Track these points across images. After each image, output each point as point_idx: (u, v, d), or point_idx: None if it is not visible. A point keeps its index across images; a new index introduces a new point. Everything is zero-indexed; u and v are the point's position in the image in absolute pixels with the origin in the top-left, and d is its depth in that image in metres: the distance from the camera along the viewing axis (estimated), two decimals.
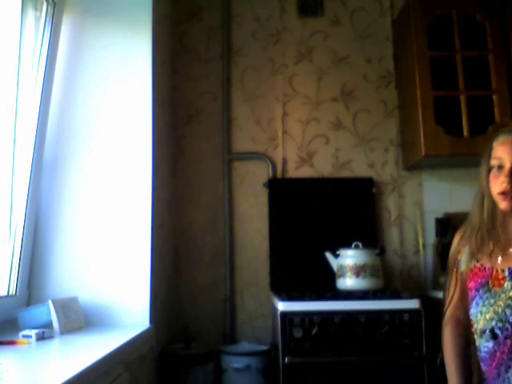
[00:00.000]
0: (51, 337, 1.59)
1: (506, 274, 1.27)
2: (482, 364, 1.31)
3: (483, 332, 1.28)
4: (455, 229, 2.49)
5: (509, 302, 1.24)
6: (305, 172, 2.65)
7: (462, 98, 2.35)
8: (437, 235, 2.49)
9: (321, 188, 2.60)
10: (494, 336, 1.25)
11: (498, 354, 1.25)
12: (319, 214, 2.55)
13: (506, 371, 1.23)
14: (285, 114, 2.70)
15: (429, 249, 2.56)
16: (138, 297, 1.89)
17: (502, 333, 1.24)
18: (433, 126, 2.32)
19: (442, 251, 2.45)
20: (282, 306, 1.98)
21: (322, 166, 2.66)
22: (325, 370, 1.94)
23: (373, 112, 2.69)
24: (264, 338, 2.44)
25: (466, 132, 2.33)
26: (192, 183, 2.64)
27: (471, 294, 1.36)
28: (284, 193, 2.58)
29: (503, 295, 1.26)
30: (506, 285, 1.26)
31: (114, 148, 1.98)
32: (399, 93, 2.68)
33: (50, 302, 1.69)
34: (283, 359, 1.92)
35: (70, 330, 1.70)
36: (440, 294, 2.26)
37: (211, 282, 2.56)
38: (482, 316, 1.30)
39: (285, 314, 1.96)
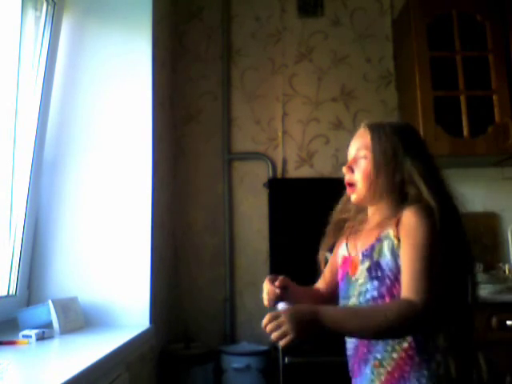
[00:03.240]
0: (51, 337, 1.59)
1: (360, 258, 1.21)
2: (349, 363, 1.26)
3: None
4: None
5: (361, 288, 1.18)
6: (305, 172, 2.65)
7: (462, 98, 2.35)
8: None
9: (321, 188, 2.59)
10: None
11: (360, 348, 1.20)
12: (319, 214, 2.54)
13: (366, 365, 1.18)
14: (285, 114, 2.70)
15: None
16: (138, 297, 1.89)
17: None
18: (433, 126, 2.32)
19: None
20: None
21: (322, 166, 2.66)
22: (325, 369, 1.94)
23: (373, 112, 2.69)
24: (264, 337, 2.43)
25: (465, 132, 2.33)
26: (192, 183, 2.64)
27: (339, 288, 1.32)
28: (284, 193, 2.58)
29: (356, 283, 1.21)
30: (358, 270, 1.21)
31: (113, 148, 1.98)
32: (399, 93, 2.68)
33: (49, 302, 1.69)
34: (283, 359, 1.92)
35: (70, 329, 1.70)
36: None
37: (211, 282, 2.56)
38: None
39: None
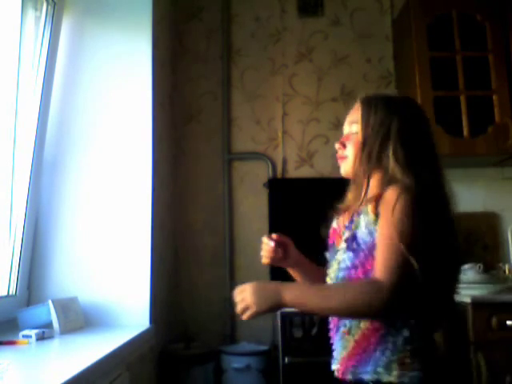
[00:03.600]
0: (51, 337, 1.59)
1: (342, 230, 1.23)
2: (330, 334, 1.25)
3: None
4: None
5: (339, 257, 1.21)
6: (305, 172, 2.65)
7: (462, 98, 2.35)
8: None
9: (321, 188, 2.59)
10: None
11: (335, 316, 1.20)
12: (319, 214, 2.54)
13: (337, 332, 1.21)
14: (285, 114, 2.70)
15: None
16: (138, 297, 1.89)
17: None
18: (433, 126, 2.30)
19: None
20: None
21: (322, 166, 2.66)
22: (325, 370, 1.94)
23: None
24: (264, 338, 2.44)
25: (465, 132, 2.33)
26: (192, 183, 2.64)
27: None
28: (284, 193, 2.57)
29: (338, 252, 1.23)
30: (341, 241, 1.22)
31: (114, 148, 1.98)
32: (399, 93, 2.68)
33: (49, 302, 1.69)
34: (283, 359, 1.92)
35: (70, 329, 1.70)
36: None
37: (211, 282, 2.56)
38: (328, 278, 1.27)
39: (285, 314, 1.96)
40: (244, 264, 2.58)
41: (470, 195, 2.62)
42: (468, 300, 1.96)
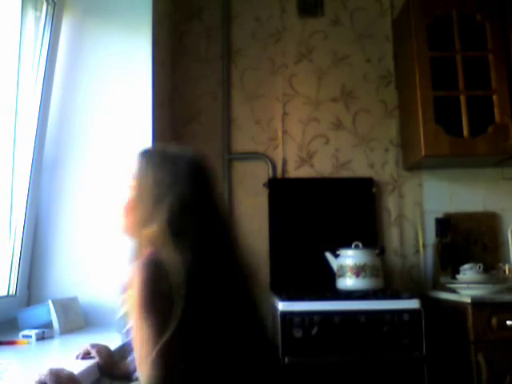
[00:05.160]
0: (51, 337, 1.59)
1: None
2: None
3: None
4: (455, 229, 2.53)
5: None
6: (305, 172, 2.65)
7: (462, 98, 2.35)
8: (437, 235, 2.49)
9: (321, 188, 2.59)
10: None
11: None
12: (319, 214, 2.55)
13: None
14: (285, 114, 2.70)
15: (429, 249, 2.56)
16: None
17: None
18: (433, 126, 2.32)
19: (442, 251, 2.45)
20: (281, 305, 1.98)
21: (322, 166, 2.66)
22: (325, 370, 1.94)
23: (373, 112, 2.69)
24: None
25: (465, 132, 2.33)
26: None
27: None
28: (284, 193, 2.57)
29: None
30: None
31: (114, 148, 1.98)
32: (399, 93, 2.68)
33: (49, 302, 1.69)
34: (283, 359, 1.91)
35: (70, 329, 1.70)
36: (440, 294, 2.27)
37: None
38: None
39: (285, 314, 1.96)
40: None
41: (469, 195, 2.62)
42: (468, 300, 1.96)
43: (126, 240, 1.17)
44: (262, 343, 1.13)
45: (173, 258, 1.00)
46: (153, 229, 1.06)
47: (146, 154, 1.18)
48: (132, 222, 1.13)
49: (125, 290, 1.04)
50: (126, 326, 1.07)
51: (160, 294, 0.98)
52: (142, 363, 0.98)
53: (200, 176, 1.18)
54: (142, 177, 1.15)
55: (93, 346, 1.28)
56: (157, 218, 1.06)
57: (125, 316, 1.06)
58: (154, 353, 0.95)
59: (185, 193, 1.10)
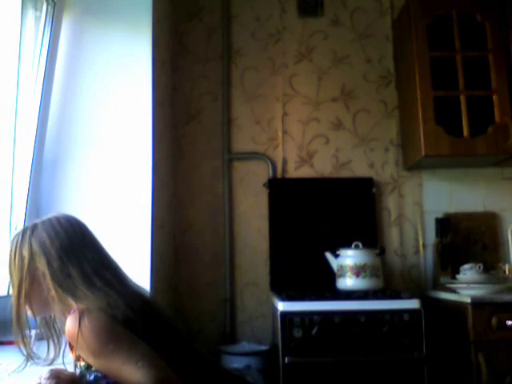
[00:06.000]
0: None
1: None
2: None
3: None
4: (455, 229, 2.53)
5: None
6: (305, 172, 2.65)
7: (462, 98, 2.35)
8: (437, 235, 2.49)
9: (321, 188, 2.60)
10: None
11: None
12: (319, 214, 2.55)
13: None
14: (285, 114, 2.70)
15: (429, 249, 2.56)
16: None
17: None
18: (433, 126, 2.32)
19: (442, 251, 2.45)
20: (282, 306, 1.98)
21: (322, 166, 2.66)
22: (325, 370, 1.94)
23: (373, 112, 2.69)
24: (264, 338, 2.44)
25: (465, 132, 2.33)
26: (192, 183, 2.64)
27: None
28: (284, 193, 2.57)
29: None
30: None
31: (114, 148, 1.98)
32: (399, 93, 2.68)
33: None
34: (283, 359, 1.91)
35: None
36: (440, 294, 2.27)
37: (211, 282, 2.56)
38: None
39: (285, 314, 1.96)
40: (244, 264, 2.58)
41: (470, 195, 2.62)
42: (468, 300, 1.96)
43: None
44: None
45: (88, 299, 1.09)
46: (51, 295, 1.13)
47: (10, 241, 1.23)
48: (33, 303, 1.18)
49: (71, 349, 1.11)
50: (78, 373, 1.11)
51: (108, 324, 1.05)
52: (133, 377, 1.01)
53: (58, 231, 1.20)
54: (11, 263, 1.20)
55: (52, 374, 1.20)
56: (46, 286, 1.14)
57: (83, 368, 1.10)
58: (140, 361, 1.01)
59: (49, 251, 1.16)
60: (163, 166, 2.31)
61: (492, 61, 2.37)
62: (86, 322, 1.04)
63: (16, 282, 1.18)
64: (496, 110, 2.34)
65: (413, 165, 2.54)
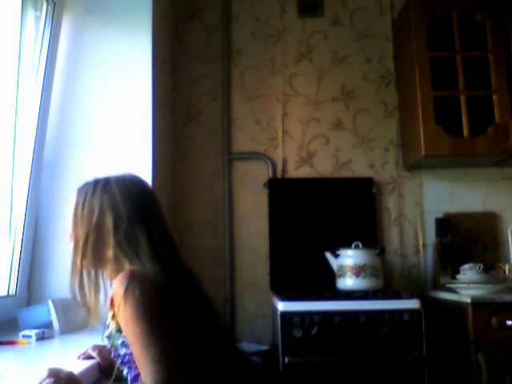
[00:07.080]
0: (51, 337, 1.59)
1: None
2: None
3: None
4: (455, 229, 2.53)
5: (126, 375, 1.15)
6: (305, 172, 2.65)
7: (462, 98, 2.35)
8: (437, 235, 2.49)
9: (321, 188, 2.60)
10: None
11: None
12: (319, 214, 2.55)
13: None
14: (285, 114, 2.70)
15: (429, 249, 2.56)
16: None
17: None
18: (433, 126, 2.32)
19: (442, 251, 2.45)
20: (282, 306, 1.98)
21: (322, 166, 2.65)
22: (325, 370, 1.94)
23: (373, 112, 2.69)
24: (264, 338, 2.44)
25: (465, 132, 2.33)
26: (192, 183, 2.64)
27: None
28: (284, 193, 2.57)
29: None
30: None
31: (113, 148, 1.98)
32: (399, 93, 2.68)
33: (49, 302, 1.69)
34: (283, 359, 1.91)
35: (70, 329, 1.70)
36: (440, 294, 2.27)
37: (211, 282, 2.55)
38: None
39: (285, 314, 1.96)
40: (244, 264, 2.58)
41: (470, 195, 2.62)
42: (468, 300, 1.96)
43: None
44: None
45: (145, 269, 1.08)
46: (109, 253, 1.13)
47: (78, 190, 1.24)
48: (89, 255, 1.17)
49: (111, 306, 1.10)
50: (107, 332, 1.14)
51: (152, 303, 1.04)
52: (145, 367, 1.01)
53: (131, 192, 1.20)
54: (77, 211, 1.19)
55: (94, 347, 1.30)
56: (107, 243, 1.14)
57: (114, 329, 1.12)
58: (157, 355, 1.00)
59: (119, 210, 1.15)
60: (163, 166, 2.31)
61: (492, 61, 2.38)
62: (133, 288, 1.03)
63: (81, 233, 1.17)
64: (496, 110, 2.34)
65: (413, 165, 2.54)
